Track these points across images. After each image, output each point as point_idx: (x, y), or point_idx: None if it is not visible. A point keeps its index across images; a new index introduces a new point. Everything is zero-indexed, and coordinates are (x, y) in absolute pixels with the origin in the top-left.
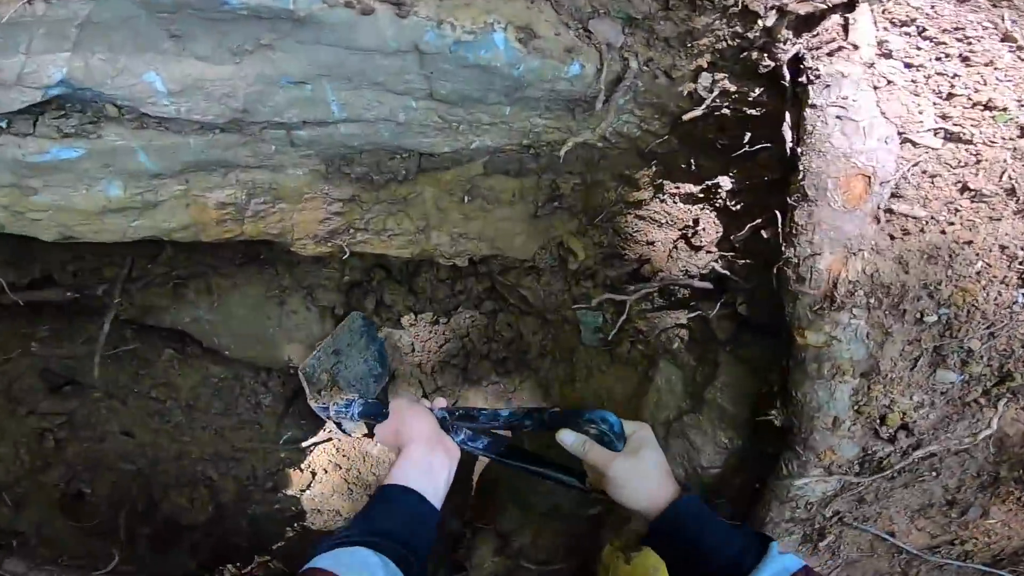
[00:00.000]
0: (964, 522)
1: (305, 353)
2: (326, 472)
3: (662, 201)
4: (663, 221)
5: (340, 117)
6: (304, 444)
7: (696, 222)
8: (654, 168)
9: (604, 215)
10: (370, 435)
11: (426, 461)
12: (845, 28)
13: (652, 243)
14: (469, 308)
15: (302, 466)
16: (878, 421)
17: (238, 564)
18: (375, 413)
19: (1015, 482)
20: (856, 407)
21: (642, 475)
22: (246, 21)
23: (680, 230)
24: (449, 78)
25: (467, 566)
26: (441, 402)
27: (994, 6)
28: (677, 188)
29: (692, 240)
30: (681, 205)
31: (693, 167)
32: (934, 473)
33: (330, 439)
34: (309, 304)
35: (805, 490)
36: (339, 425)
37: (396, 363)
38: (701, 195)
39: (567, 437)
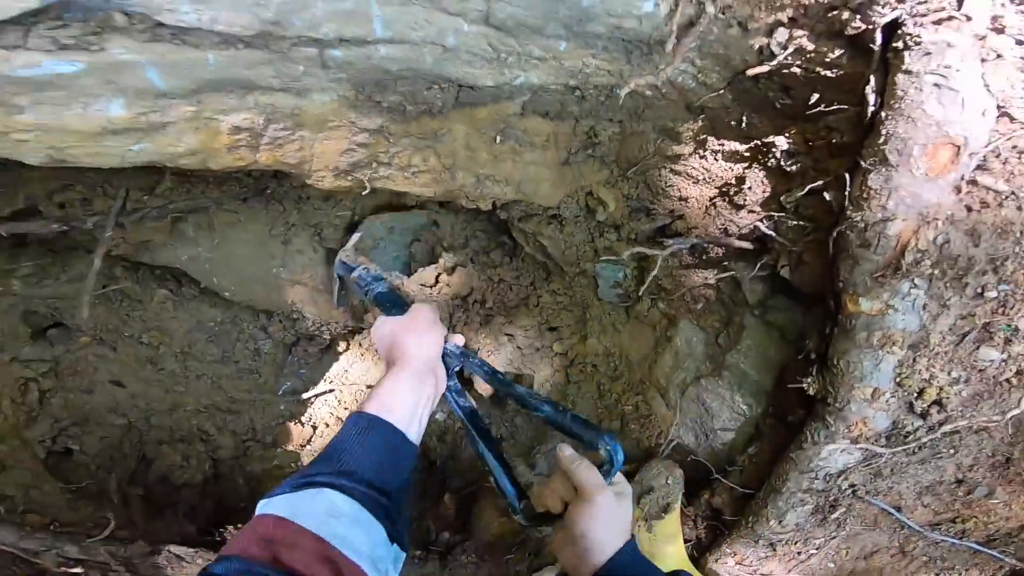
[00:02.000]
0: (968, 501)
1: (310, 296)
2: (327, 426)
3: (702, 157)
4: (700, 178)
5: (382, 36)
6: (305, 396)
7: (740, 180)
8: (700, 123)
9: (638, 167)
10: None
11: (415, 389)
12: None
13: (686, 199)
14: (483, 254)
15: (302, 419)
16: (916, 394)
17: (239, 525)
18: (394, 303)
19: None
20: (898, 379)
21: (616, 519)
22: None
23: (719, 188)
24: (512, 1)
25: (472, 529)
26: (459, 339)
27: None
28: (721, 145)
29: (734, 198)
30: (723, 163)
31: (743, 125)
32: (952, 451)
33: (332, 390)
34: (316, 244)
35: (827, 461)
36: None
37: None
38: (747, 153)
39: (566, 450)
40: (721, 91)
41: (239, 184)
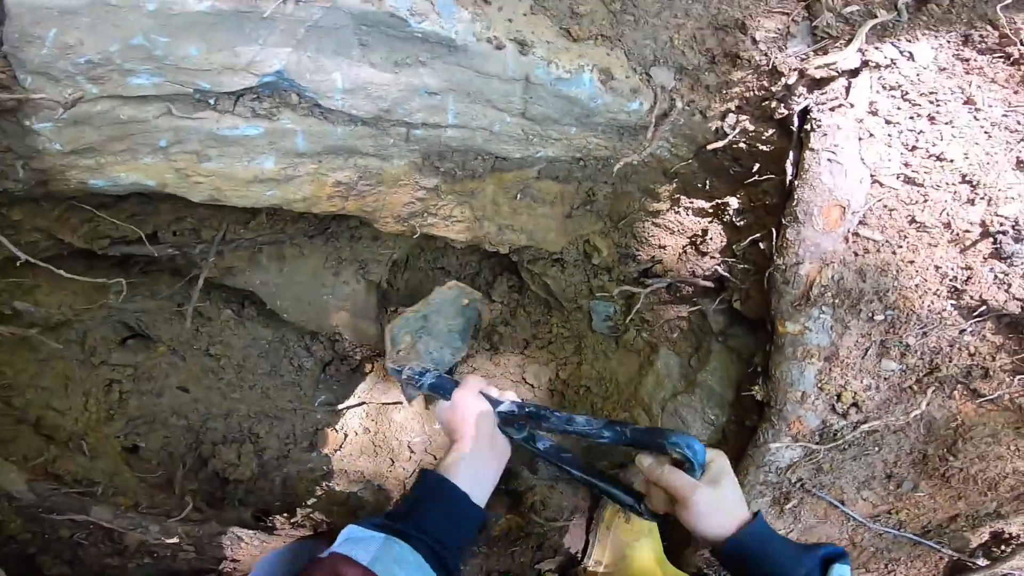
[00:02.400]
0: (899, 494)
1: (350, 322)
2: (356, 433)
3: (676, 213)
4: (675, 229)
5: (452, 123)
6: (340, 407)
7: (704, 232)
8: (674, 185)
9: (626, 220)
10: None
11: (476, 461)
12: (847, 90)
13: (664, 247)
14: (490, 295)
15: (337, 427)
16: (835, 398)
17: (285, 514)
18: (443, 390)
19: (939, 460)
20: (819, 384)
21: (722, 505)
22: (414, 41)
23: (689, 238)
24: (542, 103)
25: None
26: (511, 395)
27: (966, 73)
28: (691, 203)
29: (700, 247)
30: (692, 217)
31: (707, 187)
32: (876, 448)
33: (362, 403)
34: (359, 276)
35: (776, 455)
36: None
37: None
38: (710, 211)
39: (645, 459)
40: (689, 160)
41: (308, 223)
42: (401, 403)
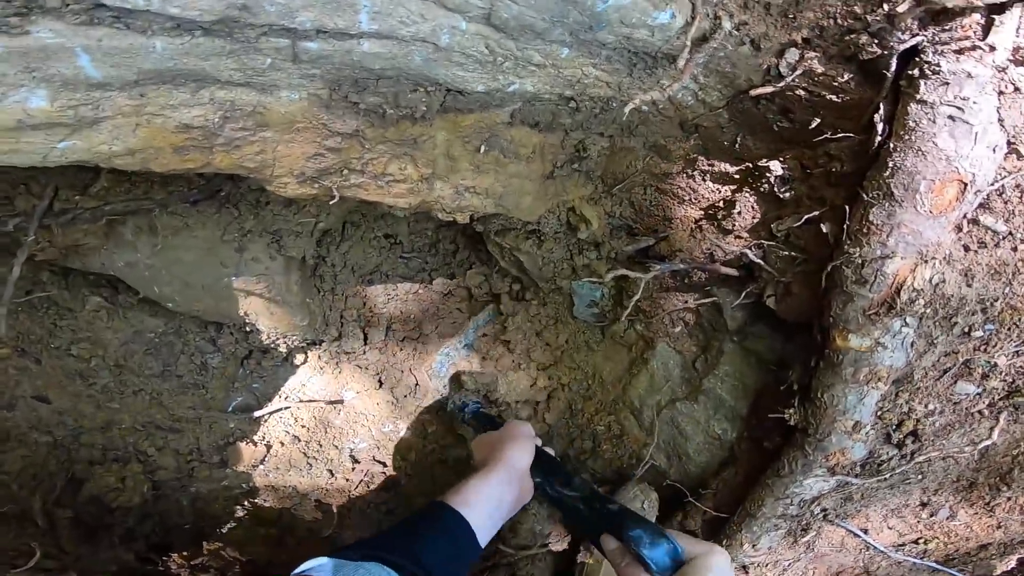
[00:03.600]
0: (931, 523)
1: (265, 307)
2: (282, 444)
3: (691, 177)
4: (687, 198)
5: (367, 30)
6: (257, 414)
7: (729, 204)
8: (692, 142)
9: (624, 184)
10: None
11: (500, 490)
12: (986, 28)
13: (671, 220)
14: (453, 268)
15: (255, 438)
16: (894, 427)
17: (184, 553)
18: (487, 422)
19: (989, 488)
20: (880, 412)
21: None
22: None
23: (704, 209)
24: (520, 0)
25: None
26: (549, 450)
27: None
28: (711, 166)
29: (722, 222)
30: (711, 184)
31: (737, 146)
32: (920, 476)
33: (287, 407)
34: (274, 252)
35: (803, 488)
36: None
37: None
38: (738, 176)
39: (610, 542)
40: (719, 110)
41: (189, 185)
42: (341, 402)
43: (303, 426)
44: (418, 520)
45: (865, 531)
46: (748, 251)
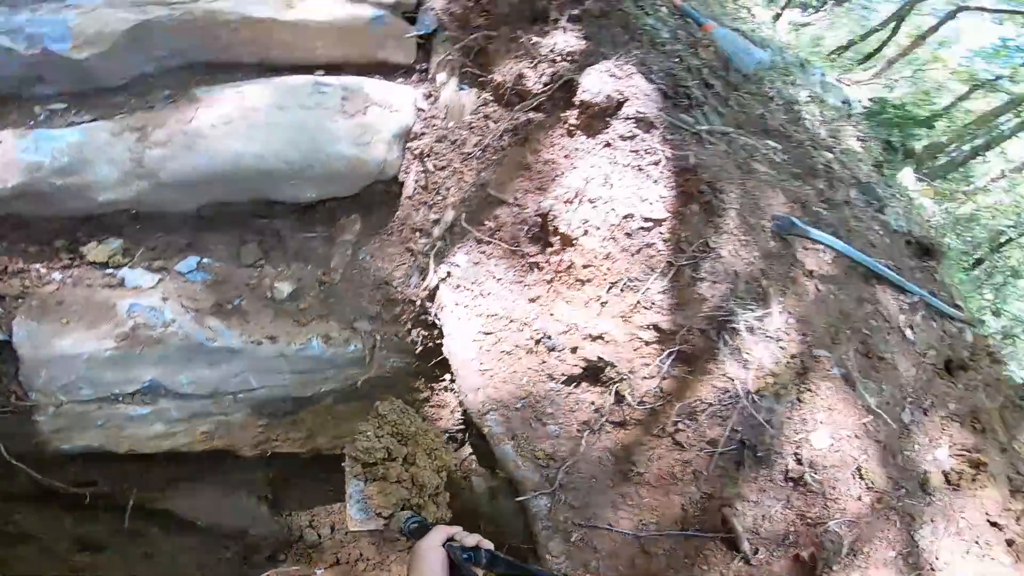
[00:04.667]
0: None
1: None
2: None
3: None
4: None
5: (256, 386)
6: None
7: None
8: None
9: None
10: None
11: None
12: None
13: None
14: None
15: None
16: None
17: None
18: (415, 537)
19: None
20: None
21: None
22: (215, 351)
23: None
24: (300, 363)
25: None
26: (474, 539)
27: (488, 258)
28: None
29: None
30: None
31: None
32: None
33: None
34: (249, 495)
35: None
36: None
37: None
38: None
39: None
40: (414, 363)
41: (200, 461)
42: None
43: None
44: None
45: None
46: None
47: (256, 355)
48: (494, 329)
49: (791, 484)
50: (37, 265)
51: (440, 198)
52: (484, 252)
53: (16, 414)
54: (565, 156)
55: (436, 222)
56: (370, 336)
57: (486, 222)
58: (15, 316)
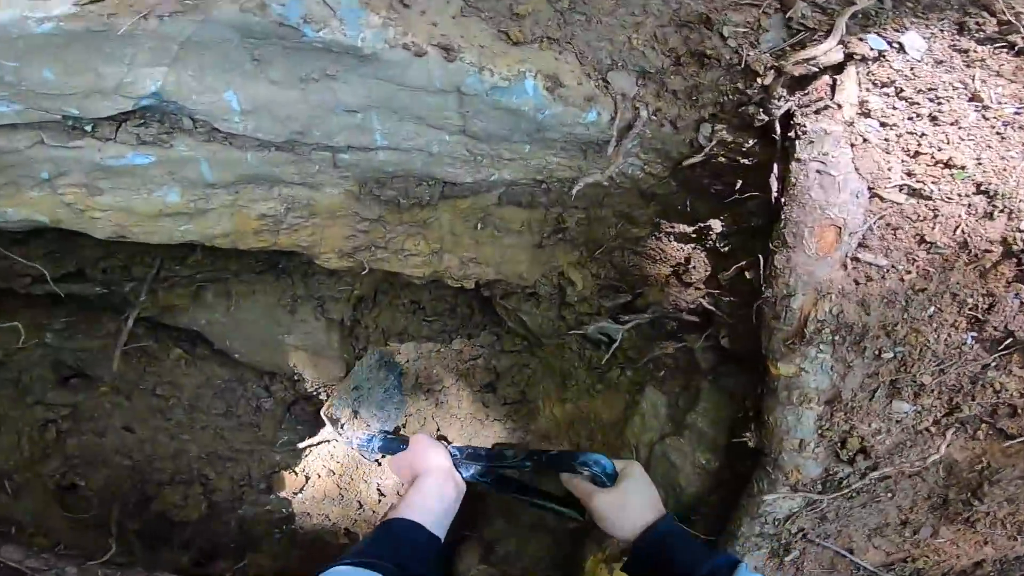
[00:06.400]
0: (916, 541)
1: (310, 360)
2: (319, 476)
3: (657, 239)
4: (657, 258)
5: (381, 144)
6: (300, 445)
7: (688, 260)
8: (652, 208)
9: (604, 249)
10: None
11: (437, 491)
12: (833, 88)
13: (646, 278)
14: (469, 331)
15: (297, 469)
16: (839, 444)
17: (231, 560)
18: (394, 448)
19: (962, 504)
20: (820, 431)
21: (621, 507)
22: (318, 53)
23: (672, 267)
24: (482, 117)
25: (452, 573)
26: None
27: (967, 66)
28: (672, 227)
29: (683, 277)
30: (675, 243)
31: (688, 209)
32: (889, 494)
33: (328, 440)
34: (318, 314)
35: (773, 507)
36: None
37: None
38: (693, 235)
39: (564, 476)
40: (666, 179)
41: (255, 259)
42: None
43: (338, 462)
44: (377, 536)
45: (850, 551)
46: (703, 300)
47: (404, 77)
48: (930, 193)
49: None
50: None
51: None
52: (968, 53)
53: None
54: None
55: None
56: (630, 106)
57: None
58: None
